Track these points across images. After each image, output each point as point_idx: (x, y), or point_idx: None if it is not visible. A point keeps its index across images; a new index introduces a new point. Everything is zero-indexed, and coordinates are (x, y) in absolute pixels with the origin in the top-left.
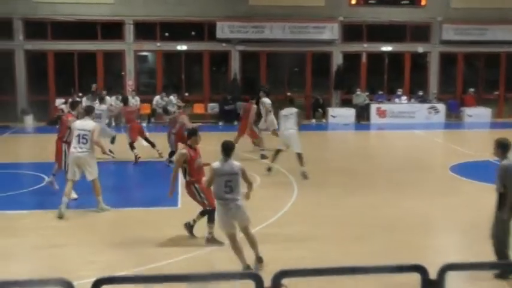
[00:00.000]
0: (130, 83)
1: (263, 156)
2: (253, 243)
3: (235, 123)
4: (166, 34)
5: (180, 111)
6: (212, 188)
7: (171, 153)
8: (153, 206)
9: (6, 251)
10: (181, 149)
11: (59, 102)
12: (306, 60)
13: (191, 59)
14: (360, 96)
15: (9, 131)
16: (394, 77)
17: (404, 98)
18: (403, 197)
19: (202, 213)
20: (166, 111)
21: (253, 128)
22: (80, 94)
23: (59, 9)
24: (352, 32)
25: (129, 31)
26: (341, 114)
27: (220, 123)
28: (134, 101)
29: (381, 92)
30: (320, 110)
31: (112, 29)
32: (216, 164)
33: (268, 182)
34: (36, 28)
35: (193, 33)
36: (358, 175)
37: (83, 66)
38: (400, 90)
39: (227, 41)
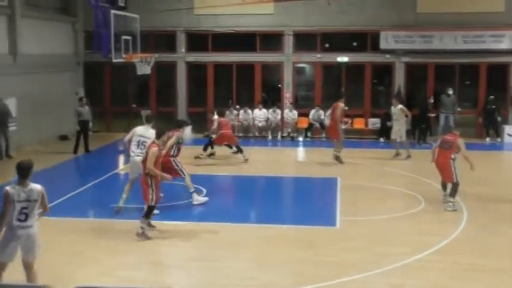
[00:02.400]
0: (288, 95)
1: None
2: (34, 281)
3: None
4: (327, 45)
5: (456, 134)
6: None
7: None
8: (309, 225)
9: (162, 260)
10: (152, 147)
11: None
12: (479, 72)
13: (352, 71)
14: None
15: None
16: None
17: None
18: None
19: (147, 216)
20: (322, 126)
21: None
22: (237, 106)
23: (220, 22)
24: None
25: (289, 42)
26: None
27: (381, 139)
28: (292, 114)
29: None
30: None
31: (271, 40)
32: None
33: (434, 205)
34: (198, 40)
35: (355, 43)
36: None
37: (241, 78)
38: None
39: (391, 51)
